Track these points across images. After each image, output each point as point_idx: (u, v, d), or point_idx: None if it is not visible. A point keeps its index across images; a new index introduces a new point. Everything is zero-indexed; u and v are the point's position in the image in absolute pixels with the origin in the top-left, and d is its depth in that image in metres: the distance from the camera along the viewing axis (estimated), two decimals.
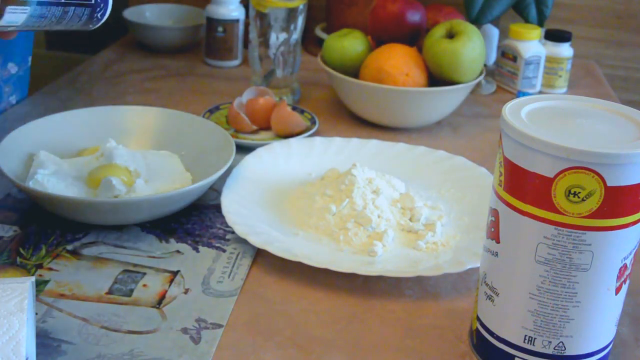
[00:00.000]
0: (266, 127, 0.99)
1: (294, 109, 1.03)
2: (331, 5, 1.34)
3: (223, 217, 0.77)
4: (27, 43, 1.03)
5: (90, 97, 1.10)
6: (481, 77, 1.03)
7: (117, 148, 0.81)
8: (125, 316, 0.62)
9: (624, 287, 0.54)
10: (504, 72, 1.23)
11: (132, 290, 0.65)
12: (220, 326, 0.62)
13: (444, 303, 0.67)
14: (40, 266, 0.68)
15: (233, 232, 0.75)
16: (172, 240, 0.74)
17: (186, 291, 0.66)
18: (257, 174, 0.83)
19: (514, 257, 0.54)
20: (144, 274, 0.68)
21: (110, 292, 0.65)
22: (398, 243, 0.74)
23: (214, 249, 0.73)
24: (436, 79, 1.02)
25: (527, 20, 1.26)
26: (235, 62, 1.27)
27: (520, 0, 1.25)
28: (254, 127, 0.97)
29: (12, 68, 1.00)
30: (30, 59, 1.05)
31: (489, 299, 0.56)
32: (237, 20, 1.23)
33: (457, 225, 0.77)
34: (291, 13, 1.03)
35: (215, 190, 0.83)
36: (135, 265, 0.69)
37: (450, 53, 0.98)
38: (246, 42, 1.20)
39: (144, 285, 0.66)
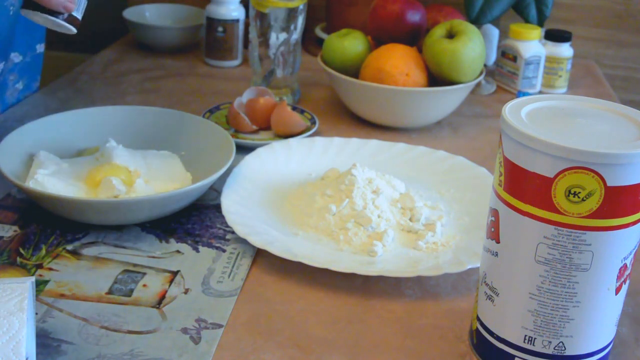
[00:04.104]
0: (266, 127, 0.99)
1: (294, 109, 1.03)
2: (331, 5, 1.34)
3: (223, 217, 0.77)
4: (31, 32, 1.02)
5: (90, 97, 1.10)
6: (481, 77, 1.03)
7: (117, 148, 0.81)
8: (125, 316, 0.62)
9: (624, 287, 0.54)
10: (504, 72, 1.23)
11: (132, 290, 0.65)
12: (220, 326, 0.62)
13: (444, 303, 0.67)
14: (40, 266, 0.68)
15: (233, 232, 0.75)
16: (172, 240, 0.74)
17: (186, 291, 0.66)
18: (257, 174, 0.83)
19: (514, 257, 0.54)
20: (144, 274, 0.68)
21: (110, 292, 0.65)
22: (398, 243, 0.74)
23: (214, 249, 0.73)
24: (436, 79, 1.02)
25: (527, 20, 1.26)
26: (235, 62, 1.27)
27: (520, 0, 1.25)
28: (254, 127, 0.97)
29: (16, 57, 1.01)
30: (40, 46, 1.04)
31: (489, 299, 0.56)
32: (237, 20, 1.23)
33: (457, 225, 0.77)
34: (291, 13, 1.03)
35: (215, 190, 0.83)
36: (135, 265, 0.69)
37: (450, 53, 0.98)
38: (246, 42, 1.20)
39: (144, 285, 0.66)
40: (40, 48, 1.05)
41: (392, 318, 0.65)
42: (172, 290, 0.66)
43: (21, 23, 1.00)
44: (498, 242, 0.55)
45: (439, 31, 1.00)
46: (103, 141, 0.83)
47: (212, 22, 1.23)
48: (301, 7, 1.04)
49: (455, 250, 0.72)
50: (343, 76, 1.01)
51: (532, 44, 1.19)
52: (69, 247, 0.71)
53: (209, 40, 1.25)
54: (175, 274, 0.68)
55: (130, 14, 1.33)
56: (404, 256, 0.72)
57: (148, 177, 0.79)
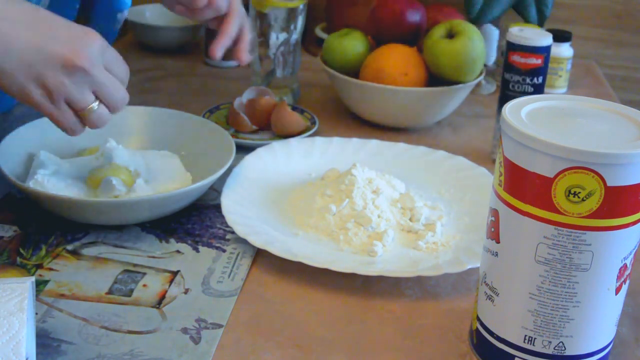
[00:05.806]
0: (266, 127, 0.99)
1: (294, 109, 1.03)
2: (331, 5, 1.34)
3: (223, 217, 0.76)
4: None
5: None
6: (481, 77, 1.03)
7: (117, 148, 0.81)
8: (125, 316, 0.62)
9: (624, 287, 0.54)
10: None
11: (132, 290, 0.65)
12: (220, 326, 0.62)
13: (444, 303, 0.67)
14: (40, 266, 0.68)
15: (233, 232, 0.75)
16: (172, 240, 0.74)
17: (186, 291, 0.66)
18: (257, 174, 0.83)
19: (514, 257, 0.54)
20: (144, 274, 0.68)
21: (110, 292, 0.65)
22: (398, 243, 0.74)
23: (214, 249, 0.73)
24: (436, 79, 1.02)
25: (527, 20, 1.26)
26: (236, 62, 1.27)
27: (520, 0, 1.25)
28: (254, 127, 0.97)
29: None
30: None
31: (489, 299, 0.56)
32: None
33: (457, 225, 0.77)
34: (291, 13, 1.03)
35: (215, 190, 0.83)
36: (135, 265, 0.69)
37: (450, 53, 0.98)
38: None
39: (144, 285, 0.66)
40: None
41: (392, 318, 0.65)
42: (172, 290, 0.66)
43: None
44: (498, 242, 0.55)
45: (439, 31, 1.00)
46: (103, 141, 0.83)
47: None
48: (301, 7, 1.04)
49: (455, 250, 0.72)
50: (343, 76, 1.01)
51: None
52: (69, 247, 0.71)
53: (209, 40, 1.25)
54: (175, 274, 0.68)
55: (130, 14, 1.33)
56: (404, 256, 0.72)
57: (148, 177, 0.79)
